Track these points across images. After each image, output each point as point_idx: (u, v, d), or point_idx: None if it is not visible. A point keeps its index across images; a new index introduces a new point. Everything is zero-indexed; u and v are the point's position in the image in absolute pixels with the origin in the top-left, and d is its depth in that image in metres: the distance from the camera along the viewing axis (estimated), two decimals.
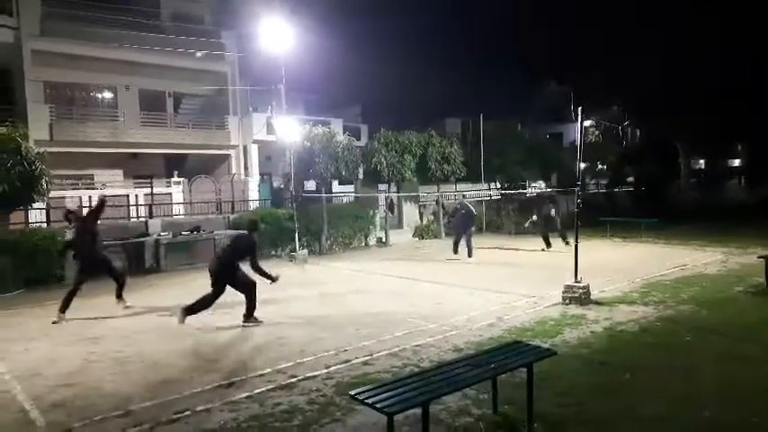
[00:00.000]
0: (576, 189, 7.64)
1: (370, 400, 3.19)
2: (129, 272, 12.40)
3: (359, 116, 30.37)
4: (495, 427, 3.92)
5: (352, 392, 3.45)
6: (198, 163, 24.62)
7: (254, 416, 4.41)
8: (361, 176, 17.80)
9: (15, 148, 10.24)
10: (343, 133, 16.76)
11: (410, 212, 18.79)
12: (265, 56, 19.30)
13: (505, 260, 12.70)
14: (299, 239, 13.93)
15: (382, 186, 17.90)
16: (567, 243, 13.75)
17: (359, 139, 21.92)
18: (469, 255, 12.54)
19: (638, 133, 33.85)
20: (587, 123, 36.18)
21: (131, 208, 20.28)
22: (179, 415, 4.49)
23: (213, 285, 7.39)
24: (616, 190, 28.19)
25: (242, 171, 24.59)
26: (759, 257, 8.58)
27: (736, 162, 51.45)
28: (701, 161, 48.13)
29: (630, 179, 29.04)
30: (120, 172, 23.39)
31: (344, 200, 18.78)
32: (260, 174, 25.53)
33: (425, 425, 3.22)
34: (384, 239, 16.95)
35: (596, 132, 33.32)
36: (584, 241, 14.69)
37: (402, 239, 17.57)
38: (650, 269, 10.32)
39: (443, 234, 18.31)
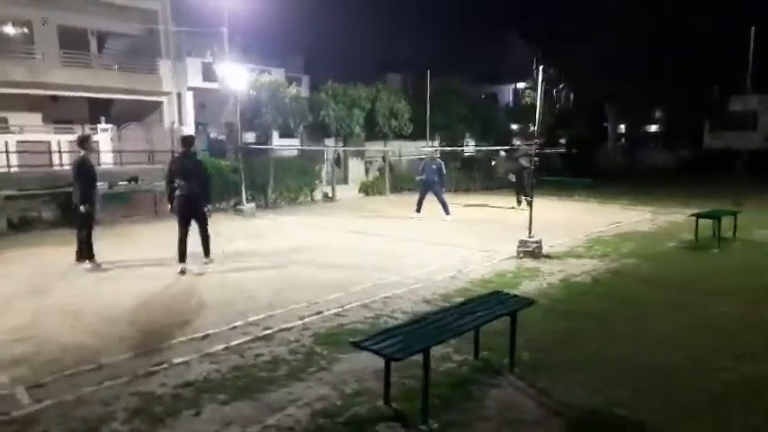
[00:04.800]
0: (533, 146, 7.89)
1: (374, 347, 3.26)
2: (59, 223, 11.71)
3: (301, 67, 29.41)
4: (479, 371, 4.13)
5: (353, 341, 3.50)
6: (126, 109, 23.05)
7: (237, 366, 4.38)
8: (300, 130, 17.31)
9: None
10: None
11: (356, 168, 18.72)
12: None
13: (453, 217, 13.02)
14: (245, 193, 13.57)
15: (328, 141, 17.63)
16: (519, 202, 14.23)
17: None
18: (447, 212, 12.11)
19: (572, 97, 35.07)
20: (522, 85, 37.18)
21: (54, 155, 18.93)
22: (157, 368, 4.37)
23: (183, 222, 7.56)
24: (548, 151, 29.35)
25: (175, 119, 23.34)
26: (691, 215, 9.33)
27: (653, 128, 54.90)
28: (622, 126, 50.89)
29: (562, 141, 30.26)
30: (38, 116, 21.56)
31: (290, 153, 18.36)
32: (195, 123, 24.36)
33: (426, 369, 3.34)
34: (330, 195, 16.85)
35: (532, 95, 34.20)
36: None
37: (348, 195, 17.53)
38: (589, 226, 10.97)
39: (388, 191, 18.46)
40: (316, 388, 3.96)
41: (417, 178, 12.61)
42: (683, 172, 27.17)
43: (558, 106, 33.63)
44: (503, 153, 14.20)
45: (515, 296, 4.51)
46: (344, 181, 18.32)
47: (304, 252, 9.00)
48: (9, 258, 8.66)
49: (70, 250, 8.71)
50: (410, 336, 3.41)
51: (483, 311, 3.91)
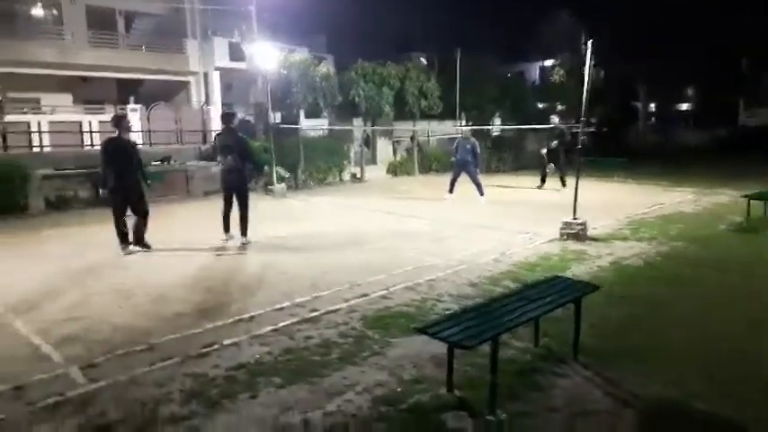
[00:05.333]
0: (581, 126, 7.59)
1: (440, 335, 3.12)
2: (95, 203, 11.80)
3: (324, 47, 29.07)
4: (542, 359, 3.97)
5: (416, 326, 3.37)
6: (154, 89, 23.16)
7: (288, 349, 4.29)
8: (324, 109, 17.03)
9: None
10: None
11: (384, 148, 18.50)
12: None
13: (487, 197, 12.77)
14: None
15: (356, 120, 17.41)
16: (543, 182, 13.91)
17: None
18: (481, 193, 11.82)
19: (603, 75, 34.10)
20: (549, 63, 36.20)
21: (84, 135, 19.12)
22: (208, 349, 4.31)
23: (226, 197, 7.99)
24: (579, 130, 28.66)
25: (202, 99, 23.35)
26: (743, 196, 8.94)
27: (684, 106, 53.29)
28: (652, 105, 49.50)
29: (593, 120, 29.48)
30: (69, 97, 21.77)
31: (317, 133, 18.21)
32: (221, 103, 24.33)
33: (494, 358, 3.19)
34: (359, 175, 16.70)
35: (561, 72, 33.33)
36: (559, 179, 14.96)
37: (376, 176, 17.36)
38: (631, 207, 10.63)
39: (417, 171, 18.23)
40: (371, 373, 3.85)
41: (452, 159, 12.28)
42: (718, 151, 26.24)
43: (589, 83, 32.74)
44: (553, 143, 13.46)
45: (579, 281, 4.32)
46: (373, 161, 18.13)
47: (341, 233, 8.90)
48: (50, 237, 8.76)
49: (110, 229, 8.77)
50: (476, 322, 3.26)
51: (549, 297, 3.73)
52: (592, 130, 29.47)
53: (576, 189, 8.01)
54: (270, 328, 4.74)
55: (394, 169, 18.02)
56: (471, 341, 3.01)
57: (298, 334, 4.60)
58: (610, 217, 9.63)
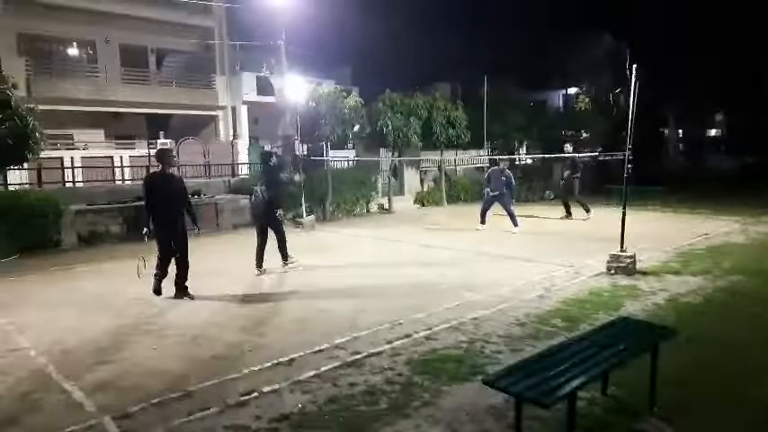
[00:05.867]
0: (626, 153, 7.28)
1: (513, 389, 2.80)
2: (126, 238, 11.79)
3: (349, 78, 29.37)
4: (614, 412, 3.61)
5: (484, 380, 3.06)
6: (182, 124, 23.56)
7: (332, 398, 4.00)
8: (350, 140, 16.98)
9: (5, 100, 9.31)
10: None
11: (411, 179, 18.32)
12: (254, 10, 18.23)
13: (521, 228, 12.40)
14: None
15: (383, 151, 17.31)
16: (568, 213, 13.47)
17: None
18: (515, 224, 11.54)
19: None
20: (573, 91, 35.95)
21: (116, 170, 19.40)
22: (247, 397, 4.05)
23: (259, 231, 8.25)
24: (608, 158, 28.14)
25: (230, 133, 23.64)
26: None
27: (713, 132, 52.23)
28: (680, 130, 48.63)
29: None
30: (101, 132, 22.23)
31: (342, 165, 18.15)
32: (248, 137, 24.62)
33: (572, 417, 2.86)
34: (387, 206, 16.50)
35: (586, 100, 33.02)
36: (596, 209, 14.57)
37: (404, 206, 17.14)
38: (675, 238, 10.16)
39: (445, 202, 17.96)
40: (427, 427, 3.53)
41: (485, 190, 12.03)
42: (748, 177, 25.39)
43: (615, 111, 32.35)
44: (566, 173, 13.31)
45: (651, 324, 3.96)
46: (400, 192, 17.93)
47: (374, 267, 8.64)
48: (82, 274, 8.66)
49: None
50: (548, 374, 2.94)
51: (622, 343, 3.38)
52: (620, 157, 29.00)
53: (624, 220, 7.66)
54: (311, 373, 4.46)
55: (422, 200, 17.79)
56: (548, 398, 2.69)
57: (341, 380, 4.31)
58: (655, 248, 9.20)
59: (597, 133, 29.09)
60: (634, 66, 6.94)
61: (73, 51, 22.14)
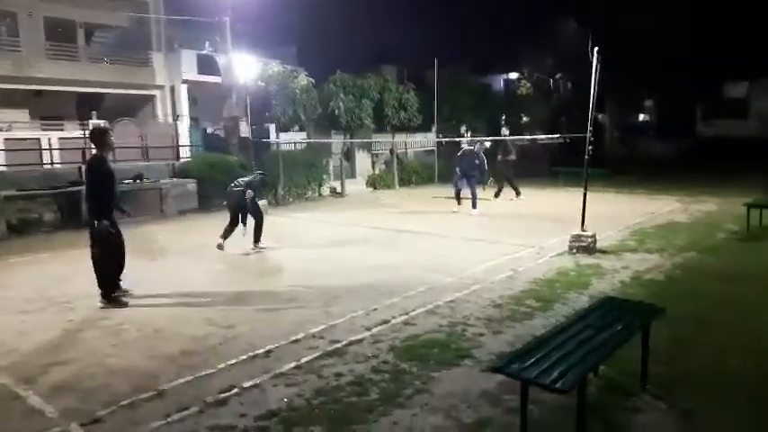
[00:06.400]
0: (588, 135, 7.39)
1: (524, 375, 2.72)
2: (61, 226, 10.97)
3: (294, 58, 28.51)
4: (608, 391, 3.62)
5: (493, 368, 2.96)
6: (116, 104, 22.10)
7: (319, 390, 3.81)
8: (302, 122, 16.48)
9: None
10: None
11: (362, 162, 18.11)
12: None
13: (478, 210, 12.48)
14: None
15: (335, 133, 16.97)
16: (519, 194, 13.66)
17: None
18: (474, 206, 11.59)
19: (570, 86, 34.71)
20: (514, 76, 36.66)
21: (44, 153, 18.02)
22: (227, 394, 3.79)
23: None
24: (548, 142, 28.94)
25: (168, 114, 22.45)
26: (744, 205, 8.90)
27: (640, 117, 54.94)
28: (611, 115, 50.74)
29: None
30: (25, 112, 20.53)
31: (291, 147, 17.64)
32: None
33: (582, 402, 2.82)
34: (339, 190, 16.23)
35: (527, 84, 33.75)
36: (541, 191, 14.96)
37: (356, 189, 16.94)
38: (624, 217, 10.54)
39: (397, 184, 17.89)
40: (424, 416, 3.41)
41: (455, 170, 11.87)
42: (680, 161, 26.88)
43: (555, 96, 33.31)
44: (499, 156, 13.45)
45: (640, 303, 4.01)
46: (351, 175, 17.70)
47: (338, 252, 8.43)
48: (14, 266, 7.95)
49: (80, 255, 8.10)
50: (554, 359, 2.88)
51: (617, 324, 3.38)
52: (559, 141, 29.92)
53: (585, 201, 7.80)
54: (292, 364, 4.24)
55: (374, 183, 17.64)
56: (564, 383, 2.62)
57: (325, 370, 4.12)
58: (607, 228, 9.46)
59: (537, 118, 29.91)
60: (596, 49, 7.02)
61: None
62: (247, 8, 18.36)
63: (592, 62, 7.10)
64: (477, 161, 11.65)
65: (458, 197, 11.94)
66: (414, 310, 5.42)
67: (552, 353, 2.95)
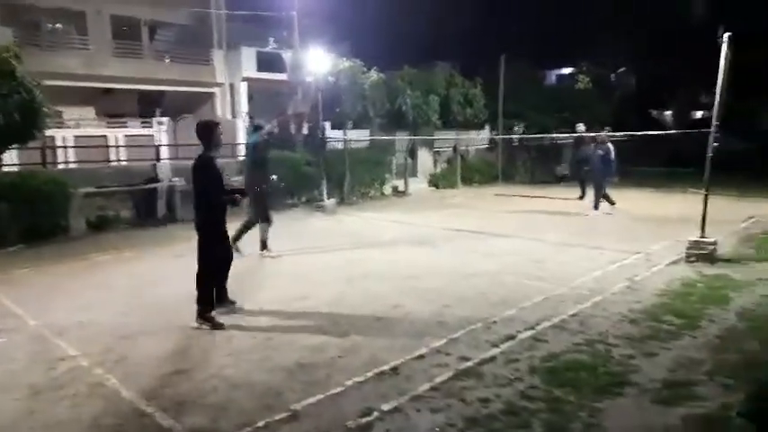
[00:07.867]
0: (712, 131, 6.71)
1: None
2: (138, 224, 10.98)
3: (349, 53, 28.29)
4: None
5: (739, 412, 2.48)
6: (176, 101, 22.38)
7: (471, 419, 3.38)
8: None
9: (10, 71, 8.31)
10: None
11: (425, 159, 17.64)
12: None
13: (541, 208, 11.84)
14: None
15: (400, 130, 16.53)
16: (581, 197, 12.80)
17: None
18: (595, 206, 10.84)
19: (634, 81, 33.25)
20: (569, 70, 35.31)
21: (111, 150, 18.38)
22: (368, 418, 3.41)
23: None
24: (618, 139, 27.73)
25: (227, 112, 22.58)
26: None
27: (699, 114, 52.26)
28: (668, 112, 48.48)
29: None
30: (91, 110, 21.02)
31: (356, 145, 17.33)
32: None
33: None
34: (402, 188, 15.83)
35: (586, 79, 32.48)
36: (625, 192, 14.09)
37: (418, 188, 16.51)
38: (723, 222, 9.64)
39: (460, 183, 17.35)
40: None
41: (585, 169, 11.11)
42: (751, 159, 25.07)
43: (618, 92, 31.86)
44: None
45: None
46: (413, 173, 17.26)
47: (425, 255, 8.02)
48: (102, 265, 7.84)
49: (164, 254, 8.01)
50: None
51: None
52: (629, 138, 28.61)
53: (706, 204, 7.13)
54: (426, 385, 3.84)
55: (436, 182, 17.16)
56: None
57: (467, 394, 3.70)
58: (713, 232, 8.70)
59: (596, 114, 28.68)
60: (727, 34, 6.33)
61: (62, 23, 20.75)
62: (310, 4, 18.21)
63: (720, 47, 6.39)
64: (601, 152, 10.61)
65: (607, 198, 10.95)
66: (539, 325, 4.94)
67: None
